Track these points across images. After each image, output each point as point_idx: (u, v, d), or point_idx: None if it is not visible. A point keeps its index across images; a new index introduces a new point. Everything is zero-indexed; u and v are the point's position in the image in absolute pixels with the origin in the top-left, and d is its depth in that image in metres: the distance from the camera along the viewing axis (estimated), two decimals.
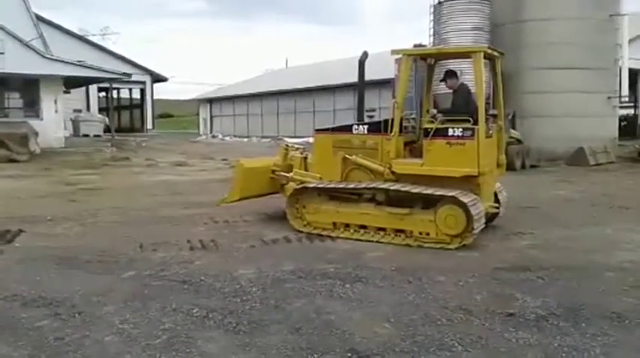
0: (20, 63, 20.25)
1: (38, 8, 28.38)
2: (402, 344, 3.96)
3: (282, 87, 39.12)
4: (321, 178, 7.84)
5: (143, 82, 39.73)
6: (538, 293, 5.04)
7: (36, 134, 19.70)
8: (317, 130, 8.49)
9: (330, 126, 8.76)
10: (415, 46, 22.20)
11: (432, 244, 6.81)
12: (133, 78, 30.74)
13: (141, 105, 41.79)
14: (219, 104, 45.83)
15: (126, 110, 45.12)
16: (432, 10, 21.82)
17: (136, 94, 42.33)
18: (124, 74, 25.78)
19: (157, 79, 41.46)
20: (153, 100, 41.52)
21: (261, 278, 5.42)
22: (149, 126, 40.53)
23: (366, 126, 7.79)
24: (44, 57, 21.75)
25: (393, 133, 7.34)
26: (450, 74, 7.92)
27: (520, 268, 5.89)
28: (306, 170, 8.29)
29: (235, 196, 8.36)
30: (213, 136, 41.75)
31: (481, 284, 5.34)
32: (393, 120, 7.37)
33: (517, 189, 13.20)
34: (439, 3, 21.53)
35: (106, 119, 30.52)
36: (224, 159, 19.85)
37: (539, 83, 20.79)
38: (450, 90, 7.86)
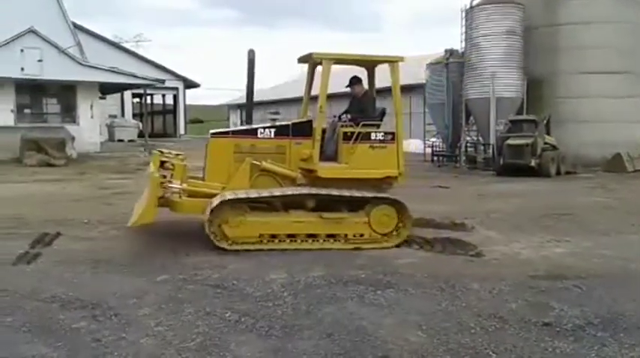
0: (58, 70, 20.84)
1: (74, 15, 29.21)
2: (434, 352, 3.93)
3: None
4: (224, 188, 7.12)
5: (176, 88, 40.33)
6: (575, 303, 4.94)
7: (73, 139, 20.18)
8: (213, 134, 7.68)
9: (229, 129, 8.02)
10: (446, 51, 22.12)
11: (368, 245, 6.95)
12: (166, 84, 31.26)
13: (173, 110, 42.43)
14: None
15: (159, 115, 45.88)
16: (463, 14, 21.65)
17: (169, 100, 43.01)
18: (157, 80, 26.23)
19: (189, 84, 42.06)
20: (185, 106, 42.12)
21: (293, 284, 5.44)
22: (181, 131, 41.11)
23: (272, 130, 7.49)
24: (81, 64, 22.31)
25: (316, 138, 7.26)
26: (357, 81, 8.14)
27: (556, 276, 5.78)
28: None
29: (150, 215, 6.69)
30: None
31: (516, 292, 5.26)
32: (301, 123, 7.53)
33: (552, 195, 12.99)
34: (470, 7, 21.36)
35: (140, 124, 31.10)
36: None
37: (574, 88, 20.42)
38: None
